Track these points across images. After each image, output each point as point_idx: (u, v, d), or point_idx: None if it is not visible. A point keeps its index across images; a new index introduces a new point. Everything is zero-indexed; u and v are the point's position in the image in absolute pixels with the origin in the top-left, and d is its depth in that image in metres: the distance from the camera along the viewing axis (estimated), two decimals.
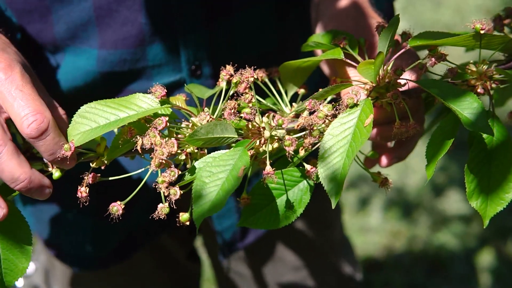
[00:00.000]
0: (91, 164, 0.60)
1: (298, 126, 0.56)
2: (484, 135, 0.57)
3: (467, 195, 0.56)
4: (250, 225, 0.59)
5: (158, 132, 0.53)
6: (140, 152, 0.55)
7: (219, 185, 0.51)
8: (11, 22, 0.74)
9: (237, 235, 0.96)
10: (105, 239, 0.92)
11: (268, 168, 0.53)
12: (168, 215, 0.93)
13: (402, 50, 0.59)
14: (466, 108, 0.51)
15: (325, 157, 0.52)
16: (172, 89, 0.79)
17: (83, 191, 0.57)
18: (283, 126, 0.54)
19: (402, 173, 2.21)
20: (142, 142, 0.54)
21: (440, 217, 2.05)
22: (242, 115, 0.54)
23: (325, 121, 0.53)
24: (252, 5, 0.80)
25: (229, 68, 0.61)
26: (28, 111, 0.54)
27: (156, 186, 0.53)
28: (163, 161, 0.53)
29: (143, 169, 0.57)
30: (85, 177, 0.58)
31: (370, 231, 2.04)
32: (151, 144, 0.53)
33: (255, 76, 0.59)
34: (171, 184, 0.53)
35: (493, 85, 0.58)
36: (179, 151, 0.56)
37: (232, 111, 0.54)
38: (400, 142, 0.69)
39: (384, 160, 0.70)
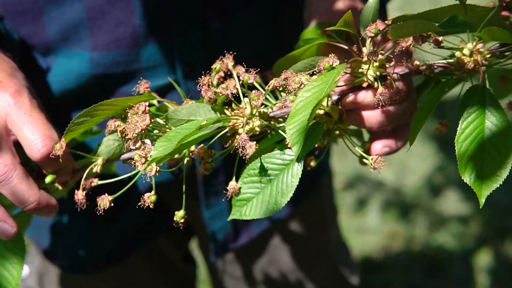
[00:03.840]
0: (88, 169, 0.60)
1: (268, 86, 0.55)
2: (476, 108, 0.55)
3: (459, 170, 0.54)
4: (242, 217, 0.57)
5: (137, 117, 0.53)
6: (120, 137, 0.55)
7: (180, 136, 0.50)
8: (14, 41, 0.74)
9: (230, 236, 0.96)
10: (100, 243, 0.92)
11: (243, 134, 0.52)
12: (163, 218, 0.93)
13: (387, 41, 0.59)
14: None
15: (295, 115, 0.51)
16: (166, 90, 0.78)
17: (80, 194, 0.57)
18: (249, 81, 0.53)
19: (400, 173, 2.20)
20: (124, 128, 0.53)
21: (438, 218, 2.05)
22: (218, 90, 0.53)
23: (300, 86, 0.53)
24: (249, 6, 0.79)
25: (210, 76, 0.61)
26: (37, 135, 0.56)
27: (132, 163, 0.53)
28: (139, 139, 0.53)
29: (135, 171, 0.56)
30: (82, 181, 0.58)
31: (368, 231, 2.03)
32: (131, 125, 0.53)
33: (237, 68, 0.58)
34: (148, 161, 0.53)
35: (484, 61, 0.56)
36: None
37: (208, 86, 0.53)
38: (392, 131, 0.67)
39: (374, 148, 0.68)
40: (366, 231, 2.03)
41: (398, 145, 0.67)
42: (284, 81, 0.54)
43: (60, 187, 0.62)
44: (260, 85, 0.65)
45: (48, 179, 0.59)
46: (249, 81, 0.53)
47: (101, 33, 0.72)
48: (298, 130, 0.51)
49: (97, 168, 0.60)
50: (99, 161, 0.60)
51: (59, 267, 0.94)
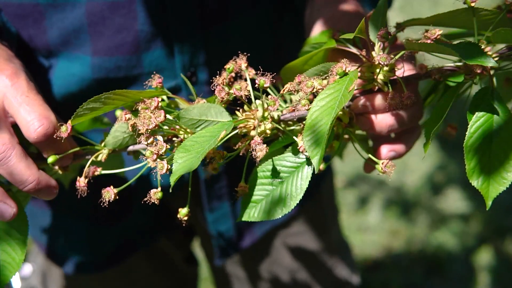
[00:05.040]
0: (92, 157, 0.60)
1: (283, 90, 0.55)
2: (483, 113, 0.55)
3: (467, 173, 0.54)
4: (250, 218, 0.57)
5: (150, 112, 0.53)
6: (131, 130, 0.55)
7: (200, 152, 0.50)
8: (11, 33, 0.74)
9: (233, 239, 0.96)
10: (101, 244, 0.92)
11: (256, 137, 0.52)
12: (164, 218, 0.94)
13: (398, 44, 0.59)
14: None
15: (311, 126, 0.51)
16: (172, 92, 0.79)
17: (81, 181, 0.57)
18: (265, 85, 0.53)
19: (401, 172, 2.21)
20: (135, 122, 0.53)
21: (438, 216, 2.05)
22: (232, 91, 0.54)
23: (313, 89, 0.53)
24: (247, 10, 0.80)
25: (224, 75, 0.61)
26: (34, 116, 0.56)
27: (144, 159, 0.53)
28: (152, 136, 0.53)
29: (141, 164, 0.57)
30: (85, 168, 0.58)
31: (369, 230, 2.04)
32: (143, 120, 0.53)
33: (248, 68, 0.58)
34: (160, 158, 0.53)
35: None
36: (176, 140, 0.56)
37: (222, 86, 0.53)
38: (398, 135, 0.67)
39: (381, 152, 0.68)
40: (366, 230, 2.04)
41: (404, 149, 0.68)
42: (298, 85, 0.54)
43: (60, 171, 0.61)
44: (269, 88, 0.65)
45: (50, 159, 0.59)
46: (265, 85, 0.53)
47: (102, 38, 0.73)
48: (316, 141, 0.51)
49: (102, 157, 0.60)
50: (105, 150, 0.60)
51: (61, 267, 0.94)
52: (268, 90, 0.65)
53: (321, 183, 1.04)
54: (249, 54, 0.60)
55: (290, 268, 1.04)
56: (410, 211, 2.08)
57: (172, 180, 0.49)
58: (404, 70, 0.59)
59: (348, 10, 0.70)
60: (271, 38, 0.85)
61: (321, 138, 0.50)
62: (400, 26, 0.61)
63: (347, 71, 0.54)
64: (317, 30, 0.71)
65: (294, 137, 0.56)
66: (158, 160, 0.52)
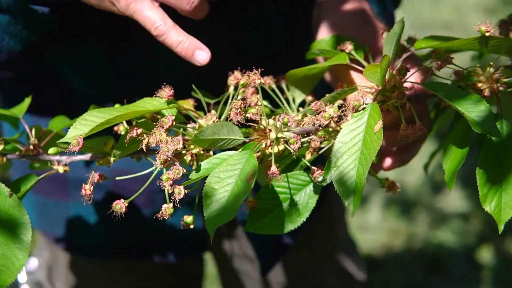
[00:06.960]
0: (97, 162, 0.60)
1: (303, 125, 0.56)
2: (492, 141, 0.56)
3: (480, 199, 0.55)
4: (257, 230, 0.59)
5: (164, 130, 0.53)
6: (145, 150, 0.55)
7: (228, 191, 0.51)
8: None
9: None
10: (122, 238, 0.92)
11: (274, 168, 0.53)
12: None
13: (408, 54, 0.59)
14: (473, 110, 0.51)
15: (338, 165, 0.52)
16: (178, 88, 0.79)
17: (87, 189, 0.57)
18: (288, 124, 0.54)
19: (401, 171, 2.21)
20: (148, 140, 0.54)
21: (439, 215, 2.05)
22: (248, 115, 0.54)
23: (330, 121, 0.53)
24: (259, 6, 0.80)
25: (237, 74, 0.62)
26: None
27: (160, 184, 0.53)
28: (168, 159, 0.53)
29: (151, 169, 0.57)
30: (90, 176, 0.58)
31: (369, 229, 2.04)
32: (157, 142, 0.53)
33: (262, 81, 0.59)
34: (176, 182, 0.53)
35: (501, 88, 0.57)
36: (184, 152, 0.57)
37: (238, 110, 0.54)
38: (404, 146, 0.68)
39: (386, 163, 0.69)
40: (367, 229, 2.04)
41: (409, 158, 0.69)
42: (316, 115, 0.54)
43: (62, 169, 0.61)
44: (273, 90, 0.66)
45: (51, 150, 0.59)
46: (289, 124, 0.54)
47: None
48: (349, 187, 0.51)
49: (107, 163, 0.60)
50: (112, 158, 0.60)
51: (71, 250, 0.94)
52: (271, 93, 0.66)
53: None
54: (262, 69, 0.59)
55: (296, 265, 1.04)
56: (411, 210, 2.09)
57: (211, 233, 0.50)
58: (415, 89, 0.59)
59: (355, 11, 0.70)
60: (281, 35, 0.85)
61: (356, 188, 0.51)
62: (411, 40, 0.62)
63: (364, 105, 0.54)
64: (324, 33, 0.70)
65: (303, 158, 0.58)
66: (175, 185, 0.53)
